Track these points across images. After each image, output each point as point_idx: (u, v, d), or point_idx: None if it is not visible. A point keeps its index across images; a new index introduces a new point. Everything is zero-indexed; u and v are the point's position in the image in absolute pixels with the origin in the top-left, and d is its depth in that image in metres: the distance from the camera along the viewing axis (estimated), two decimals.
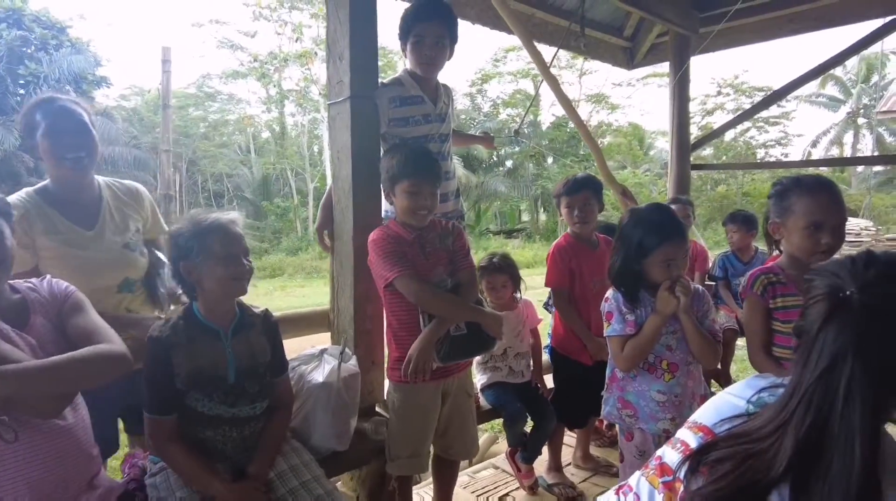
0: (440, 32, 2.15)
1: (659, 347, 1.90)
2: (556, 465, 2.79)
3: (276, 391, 1.82)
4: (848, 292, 0.78)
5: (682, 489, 0.88)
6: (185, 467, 1.61)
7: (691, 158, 4.54)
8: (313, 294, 12.83)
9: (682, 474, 0.88)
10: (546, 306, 2.96)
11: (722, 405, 0.97)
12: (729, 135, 25.23)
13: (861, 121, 24.92)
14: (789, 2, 3.84)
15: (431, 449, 2.17)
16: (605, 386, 2.09)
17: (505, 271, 2.55)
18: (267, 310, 1.89)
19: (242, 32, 23.21)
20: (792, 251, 1.75)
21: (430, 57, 2.17)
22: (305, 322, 2.36)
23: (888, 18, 3.50)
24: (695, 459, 0.86)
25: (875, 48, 23.65)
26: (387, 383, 2.21)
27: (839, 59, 3.89)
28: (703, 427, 0.95)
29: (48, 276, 1.55)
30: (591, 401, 2.40)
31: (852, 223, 16.34)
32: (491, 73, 25.06)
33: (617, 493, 1.06)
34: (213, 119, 26.44)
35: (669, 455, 0.98)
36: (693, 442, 0.94)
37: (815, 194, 1.67)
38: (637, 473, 1.05)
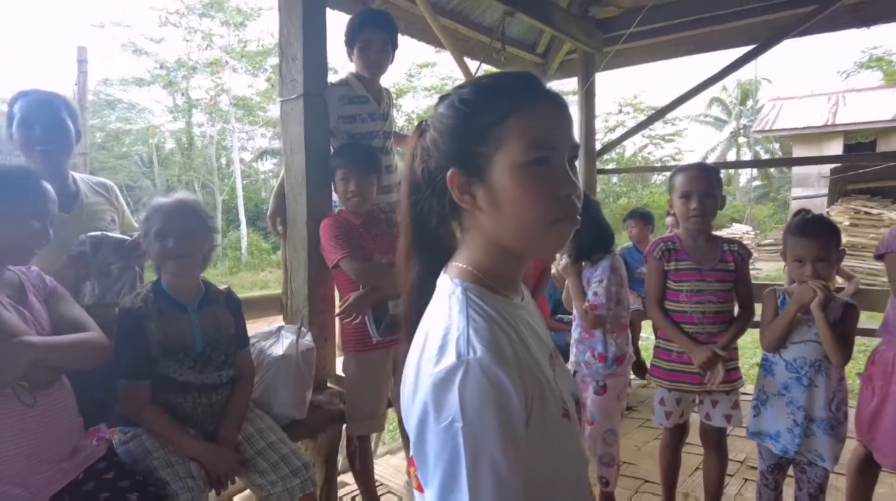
0: (385, 39, 2.41)
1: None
2: None
3: (239, 363, 1.97)
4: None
5: None
6: (162, 428, 1.73)
7: (597, 165, 5.06)
8: None
9: None
10: None
11: None
12: (629, 151, 27.19)
13: (741, 139, 27.61)
14: (675, 29, 4.46)
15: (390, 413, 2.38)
16: None
17: None
18: (229, 288, 2.04)
19: (148, 38, 22.22)
20: (681, 221, 2.15)
21: (377, 61, 2.42)
22: (257, 306, 2.50)
23: (751, 46, 4.17)
24: None
25: (750, 75, 26.51)
26: (340, 358, 2.41)
27: (714, 80, 4.53)
28: None
29: (32, 265, 1.62)
30: None
31: (736, 228, 18.13)
32: (405, 87, 25.46)
33: None
34: (113, 129, 24.94)
35: None
36: None
37: (686, 172, 2.12)
38: None
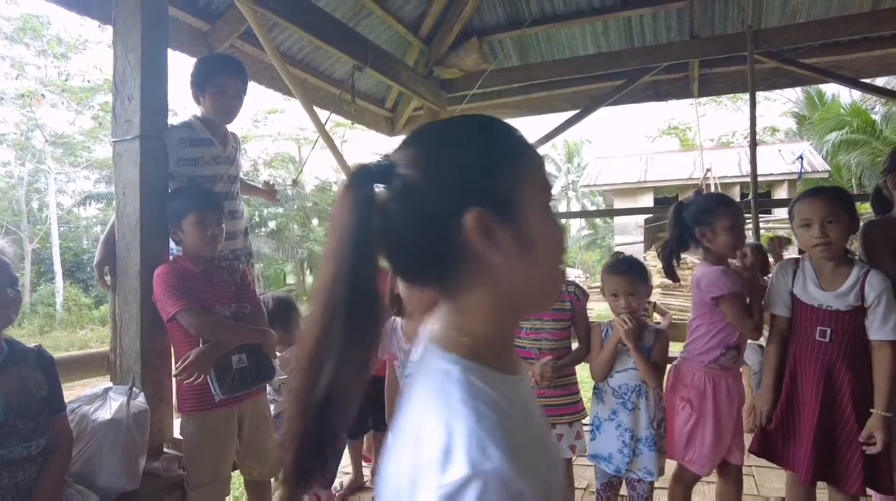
0: (239, 86, 2.37)
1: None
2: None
3: (54, 430, 1.73)
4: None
5: None
6: None
7: None
8: None
9: None
10: None
11: None
12: None
13: (571, 193, 30.66)
14: (512, 93, 4.98)
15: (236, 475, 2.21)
16: None
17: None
18: (40, 346, 1.81)
19: None
20: None
21: (231, 107, 2.37)
22: (80, 366, 2.21)
23: (575, 111, 4.79)
24: None
25: (575, 136, 29.83)
26: (177, 419, 2.21)
27: (546, 138, 5.07)
28: None
29: None
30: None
31: (569, 273, 19.87)
32: (251, 134, 24.69)
33: None
34: None
35: None
36: None
37: None
38: None
